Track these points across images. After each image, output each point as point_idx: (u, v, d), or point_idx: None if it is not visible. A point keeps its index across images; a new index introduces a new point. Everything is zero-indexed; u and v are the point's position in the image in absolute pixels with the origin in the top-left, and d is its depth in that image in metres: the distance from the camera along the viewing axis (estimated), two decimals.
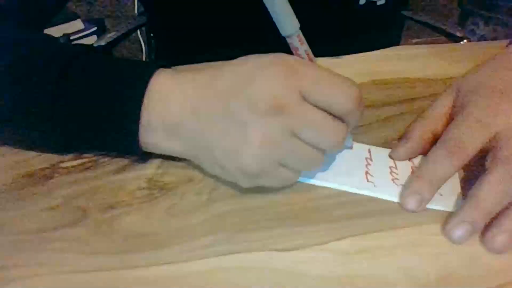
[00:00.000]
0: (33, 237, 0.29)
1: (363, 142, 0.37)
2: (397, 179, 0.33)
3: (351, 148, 0.36)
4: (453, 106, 0.36)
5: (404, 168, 0.34)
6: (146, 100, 0.31)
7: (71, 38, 1.46)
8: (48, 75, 0.32)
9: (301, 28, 0.31)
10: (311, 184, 0.33)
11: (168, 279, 0.27)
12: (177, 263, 0.28)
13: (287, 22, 0.30)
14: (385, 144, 0.37)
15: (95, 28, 1.54)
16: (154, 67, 0.32)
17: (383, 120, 0.40)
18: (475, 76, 0.36)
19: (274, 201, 0.32)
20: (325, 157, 0.32)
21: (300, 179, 0.33)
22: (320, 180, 0.33)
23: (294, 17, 0.30)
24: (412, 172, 0.34)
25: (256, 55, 0.30)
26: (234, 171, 0.30)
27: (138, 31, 1.55)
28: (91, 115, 0.32)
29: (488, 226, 0.29)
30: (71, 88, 0.31)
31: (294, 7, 0.30)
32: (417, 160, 0.35)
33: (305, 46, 0.31)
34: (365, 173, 0.34)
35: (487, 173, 0.29)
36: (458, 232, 0.29)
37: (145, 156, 0.34)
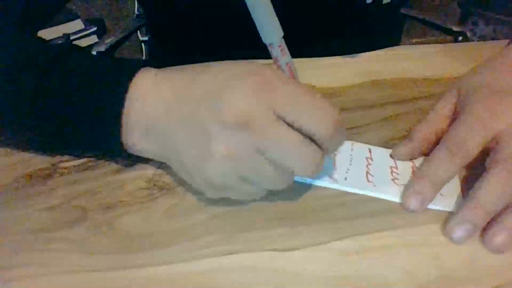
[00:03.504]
0: (33, 237, 0.29)
1: (363, 142, 0.37)
2: (397, 179, 0.33)
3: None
4: (455, 107, 0.36)
5: (405, 168, 0.35)
6: (126, 102, 0.30)
7: (71, 38, 1.46)
8: (28, 78, 0.31)
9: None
10: (311, 184, 0.33)
11: (168, 279, 0.27)
12: (177, 263, 0.28)
13: (269, 30, 0.28)
14: (385, 144, 0.37)
15: (95, 28, 1.54)
16: (137, 66, 0.32)
17: (383, 120, 0.40)
18: (475, 76, 0.37)
19: (274, 201, 0.32)
20: (325, 159, 0.32)
21: (300, 179, 0.33)
22: (320, 180, 0.33)
23: (278, 25, 0.28)
24: (413, 172, 0.34)
25: (236, 63, 0.29)
26: (200, 180, 0.29)
27: (138, 32, 1.55)
28: (74, 116, 0.31)
29: (488, 226, 0.29)
30: (53, 89, 0.31)
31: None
32: (418, 161, 0.35)
33: (287, 58, 0.30)
34: (365, 173, 0.34)
35: (487, 173, 0.29)
36: (459, 232, 0.29)
37: (132, 159, 0.34)
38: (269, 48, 0.29)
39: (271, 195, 0.32)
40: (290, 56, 0.30)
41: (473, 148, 0.31)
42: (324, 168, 0.34)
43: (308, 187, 0.33)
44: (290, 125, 0.27)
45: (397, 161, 0.35)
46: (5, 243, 0.29)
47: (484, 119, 0.32)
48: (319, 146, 0.28)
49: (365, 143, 0.37)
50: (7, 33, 0.36)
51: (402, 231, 0.30)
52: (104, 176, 0.34)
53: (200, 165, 0.28)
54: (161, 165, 0.35)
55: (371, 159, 0.35)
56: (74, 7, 1.58)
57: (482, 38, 1.65)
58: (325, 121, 0.27)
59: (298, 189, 0.33)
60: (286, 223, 0.30)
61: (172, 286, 0.27)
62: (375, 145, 0.37)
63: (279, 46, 0.29)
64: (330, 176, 0.34)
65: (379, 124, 0.40)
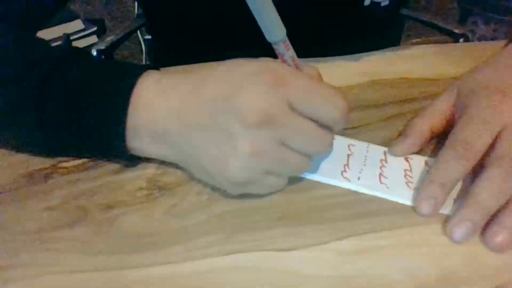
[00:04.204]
0: (33, 237, 0.29)
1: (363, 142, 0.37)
2: (411, 182, 0.33)
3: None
4: (454, 106, 0.36)
5: (419, 171, 0.34)
6: (131, 105, 0.30)
7: (71, 38, 1.46)
8: (31, 79, 0.31)
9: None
10: (311, 184, 0.33)
11: (168, 279, 0.27)
12: (177, 263, 0.28)
13: (273, 29, 0.29)
14: (385, 144, 0.37)
15: (95, 28, 1.54)
16: (140, 69, 0.32)
17: (383, 120, 0.40)
18: (475, 76, 0.37)
19: (274, 201, 0.32)
20: (338, 157, 0.33)
21: (314, 177, 0.33)
22: (333, 179, 0.33)
23: (281, 23, 0.29)
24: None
25: (243, 61, 0.30)
26: (221, 179, 0.30)
27: (139, 31, 1.55)
28: (76, 120, 0.31)
29: (488, 225, 0.29)
30: (55, 93, 0.31)
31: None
32: (432, 164, 0.35)
33: (291, 52, 0.31)
34: (379, 174, 0.34)
35: (485, 171, 0.29)
36: (459, 231, 0.29)
37: (135, 160, 0.34)
38: (274, 46, 0.30)
39: (271, 195, 0.32)
40: (293, 49, 0.31)
41: (479, 149, 0.31)
42: (338, 168, 0.34)
43: (308, 187, 0.33)
44: (302, 114, 0.29)
45: (411, 165, 0.35)
46: (5, 243, 0.29)
47: (487, 119, 0.32)
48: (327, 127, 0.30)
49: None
50: (9, 36, 0.36)
51: (402, 231, 0.30)
52: (104, 176, 0.34)
53: (223, 165, 0.29)
54: (161, 165, 0.35)
55: (386, 161, 0.35)
56: (74, 7, 1.58)
57: (482, 38, 1.65)
58: (336, 109, 0.29)
59: (298, 189, 0.33)
60: (286, 223, 0.30)
61: (172, 286, 0.27)
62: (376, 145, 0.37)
63: (284, 42, 0.30)
64: (343, 176, 0.34)
65: (379, 124, 0.40)
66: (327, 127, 0.30)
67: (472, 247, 0.29)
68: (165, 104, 0.30)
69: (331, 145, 0.31)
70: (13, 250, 0.28)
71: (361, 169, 0.34)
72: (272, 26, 0.29)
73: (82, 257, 0.28)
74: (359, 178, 0.33)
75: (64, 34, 1.43)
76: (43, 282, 0.27)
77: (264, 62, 0.30)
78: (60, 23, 1.43)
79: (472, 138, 0.31)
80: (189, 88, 0.30)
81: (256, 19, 0.29)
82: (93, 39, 1.53)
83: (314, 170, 0.34)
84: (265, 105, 0.28)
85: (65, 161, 0.35)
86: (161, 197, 0.32)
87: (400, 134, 0.37)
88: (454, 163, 0.31)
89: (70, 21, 1.47)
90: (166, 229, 0.30)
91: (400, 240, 0.29)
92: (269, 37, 0.29)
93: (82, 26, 1.51)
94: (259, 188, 0.31)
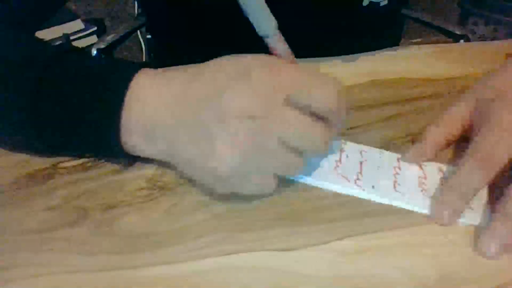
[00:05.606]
0: (33, 237, 0.29)
1: (363, 143, 0.37)
2: (425, 190, 0.33)
3: (341, 151, 0.35)
4: (471, 113, 0.35)
5: (434, 178, 0.34)
6: (126, 102, 0.30)
7: (71, 38, 1.46)
8: (25, 78, 0.31)
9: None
10: (310, 184, 0.33)
11: (168, 279, 0.27)
12: (177, 263, 0.28)
13: (263, 23, 0.29)
14: (385, 145, 0.37)
15: (95, 28, 1.54)
16: (135, 68, 0.32)
17: (383, 120, 0.40)
18: (493, 83, 0.36)
19: (274, 201, 0.32)
20: (351, 165, 0.33)
21: (329, 186, 0.33)
22: (347, 188, 0.33)
23: (271, 16, 0.29)
24: (442, 183, 0.33)
25: (237, 57, 0.29)
26: (207, 173, 0.29)
27: (138, 31, 1.55)
28: (72, 119, 0.31)
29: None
30: (50, 91, 0.31)
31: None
32: (447, 171, 0.34)
33: (285, 47, 0.30)
34: (393, 182, 0.33)
35: None
36: (492, 249, 0.28)
37: (132, 160, 0.34)
38: (266, 40, 0.29)
39: (272, 195, 0.32)
40: (287, 43, 0.30)
41: (501, 159, 0.30)
42: (351, 176, 0.33)
43: (308, 187, 0.33)
44: (296, 107, 0.27)
45: (426, 171, 0.34)
46: (5, 243, 0.29)
47: (509, 128, 0.31)
48: (326, 122, 0.29)
49: (365, 143, 0.37)
50: (4, 33, 0.36)
51: (402, 231, 0.30)
52: (104, 176, 0.34)
53: (204, 163, 0.28)
54: (161, 165, 0.35)
55: (399, 168, 0.34)
56: (74, 7, 1.58)
57: (482, 38, 1.65)
58: (327, 96, 0.28)
59: (298, 189, 0.33)
60: (286, 223, 0.30)
61: (172, 286, 0.27)
62: (375, 145, 0.37)
63: (275, 35, 0.29)
64: (357, 184, 0.33)
65: (379, 124, 0.40)
66: (325, 123, 0.29)
67: (472, 247, 0.29)
68: (156, 99, 0.30)
69: (327, 142, 0.29)
70: (13, 250, 0.28)
71: (375, 177, 0.33)
72: (261, 19, 0.28)
73: (82, 257, 0.28)
74: (373, 187, 0.33)
75: (64, 34, 1.43)
76: (43, 282, 0.27)
77: (257, 57, 0.29)
78: (60, 23, 1.43)
79: (494, 147, 0.31)
80: (181, 85, 0.30)
81: (245, 13, 0.28)
82: (93, 39, 1.53)
83: (327, 178, 0.33)
84: (247, 106, 0.27)
85: (65, 161, 0.35)
86: (161, 197, 0.32)
87: (412, 140, 0.36)
88: (476, 172, 0.30)
89: (70, 21, 1.47)
90: (166, 229, 0.30)
91: (400, 240, 0.29)
92: (259, 30, 0.29)
93: (82, 26, 1.51)
94: (245, 186, 0.30)
